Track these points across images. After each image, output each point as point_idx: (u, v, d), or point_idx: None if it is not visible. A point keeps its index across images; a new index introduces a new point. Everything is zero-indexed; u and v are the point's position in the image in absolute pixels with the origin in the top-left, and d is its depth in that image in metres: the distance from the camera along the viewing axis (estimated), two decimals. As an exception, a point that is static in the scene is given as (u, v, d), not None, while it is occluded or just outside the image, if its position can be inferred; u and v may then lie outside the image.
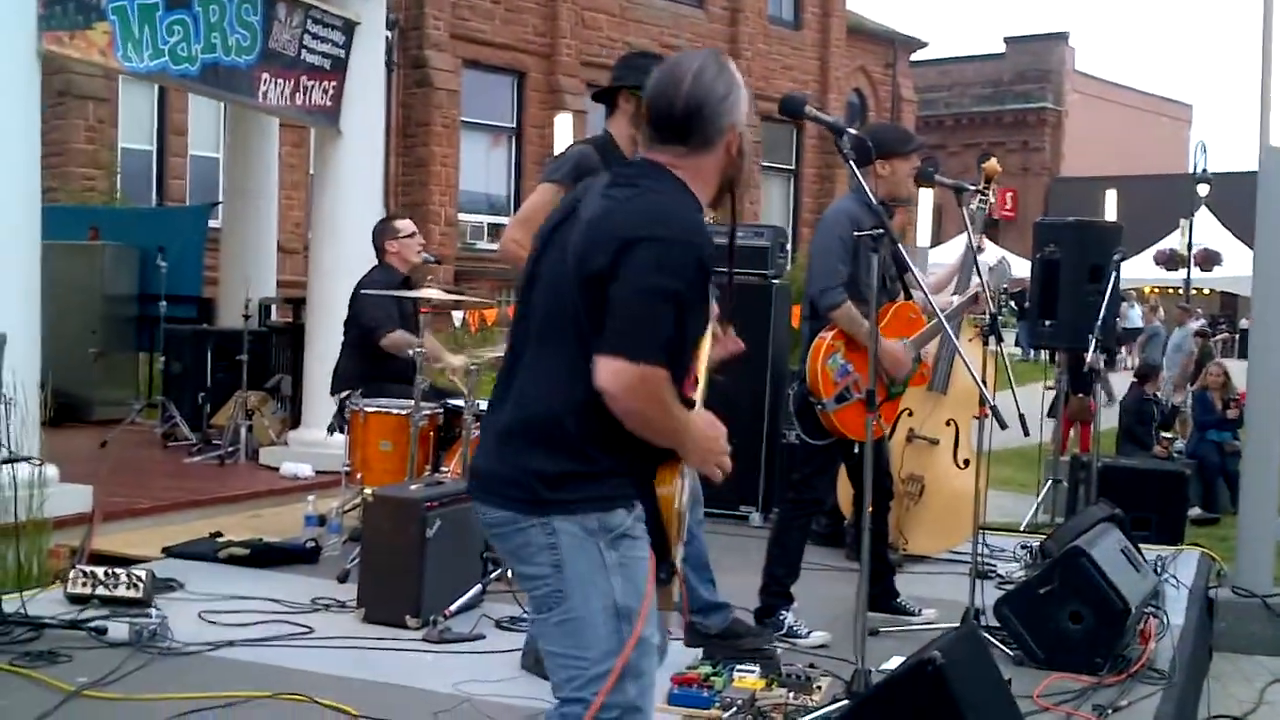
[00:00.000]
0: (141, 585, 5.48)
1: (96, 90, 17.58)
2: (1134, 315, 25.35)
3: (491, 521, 2.86)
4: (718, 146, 2.89)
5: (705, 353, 3.19)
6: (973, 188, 6.29)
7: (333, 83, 9.36)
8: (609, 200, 2.81)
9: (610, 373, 2.65)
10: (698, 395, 2.93)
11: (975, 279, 5.98)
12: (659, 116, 2.88)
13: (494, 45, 22.37)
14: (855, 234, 5.37)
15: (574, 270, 2.74)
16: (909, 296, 5.94)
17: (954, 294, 6.30)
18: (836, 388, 5.50)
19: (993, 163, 6.53)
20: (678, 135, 2.87)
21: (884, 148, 5.73)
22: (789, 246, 9.36)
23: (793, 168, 27.88)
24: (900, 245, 5.09)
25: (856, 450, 5.98)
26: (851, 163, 4.57)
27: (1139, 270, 32.73)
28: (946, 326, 5.32)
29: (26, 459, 6.04)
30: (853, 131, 4.55)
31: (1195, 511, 10.92)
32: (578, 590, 2.75)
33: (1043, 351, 13.76)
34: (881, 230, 4.63)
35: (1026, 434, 5.66)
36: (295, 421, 9.50)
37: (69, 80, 17.14)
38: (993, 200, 6.48)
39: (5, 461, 5.72)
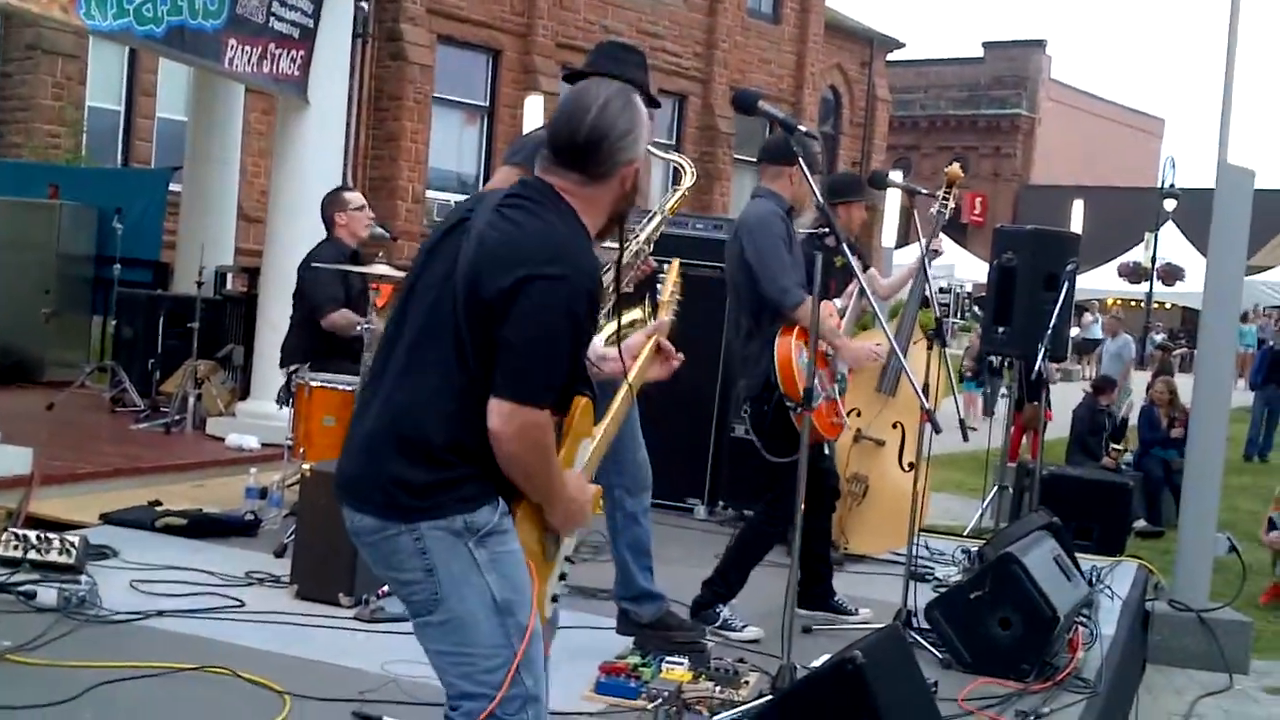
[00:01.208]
0: (74, 551, 5.43)
1: (66, 46, 17.39)
2: (1096, 327, 25.51)
3: (358, 529, 2.85)
4: (613, 180, 2.90)
5: (642, 367, 3.27)
6: (925, 191, 6.34)
7: (301, 52, 9.30)
8: (505, 223, 2.79)
9: (503, 416, 2.67)
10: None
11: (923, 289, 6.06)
12: (560, 142, 2.88)
13: (470, 22, 22.25)
14: (808, 232, 5.37)
15: (463, 290, 2.73)
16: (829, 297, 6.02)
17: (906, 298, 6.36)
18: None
19: (955, 168, 6.57)
20: (577, 163, 2.86)
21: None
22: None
23: (764, 161, 27.91)
24: (846, 242, 5.13)
25: (827, 450, 6.06)
26: (802, 161, 4.58)
27: (1102, 282, 33.00)
28: (894, 342, 5.33)
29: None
30: (803, 129, 4.57)
31: (1140, 524, 11.01)
32: (454, 592, 2.76)
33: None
34: (828, 230, 4.64)
35: (965, 439, 5.74)
36: (245, 392, 9.45)
37: (39, 35, 16.97)
38: (953, 204, 6.51)
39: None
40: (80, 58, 17.83)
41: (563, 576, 3.06)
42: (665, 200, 5.01)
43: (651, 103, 5.16)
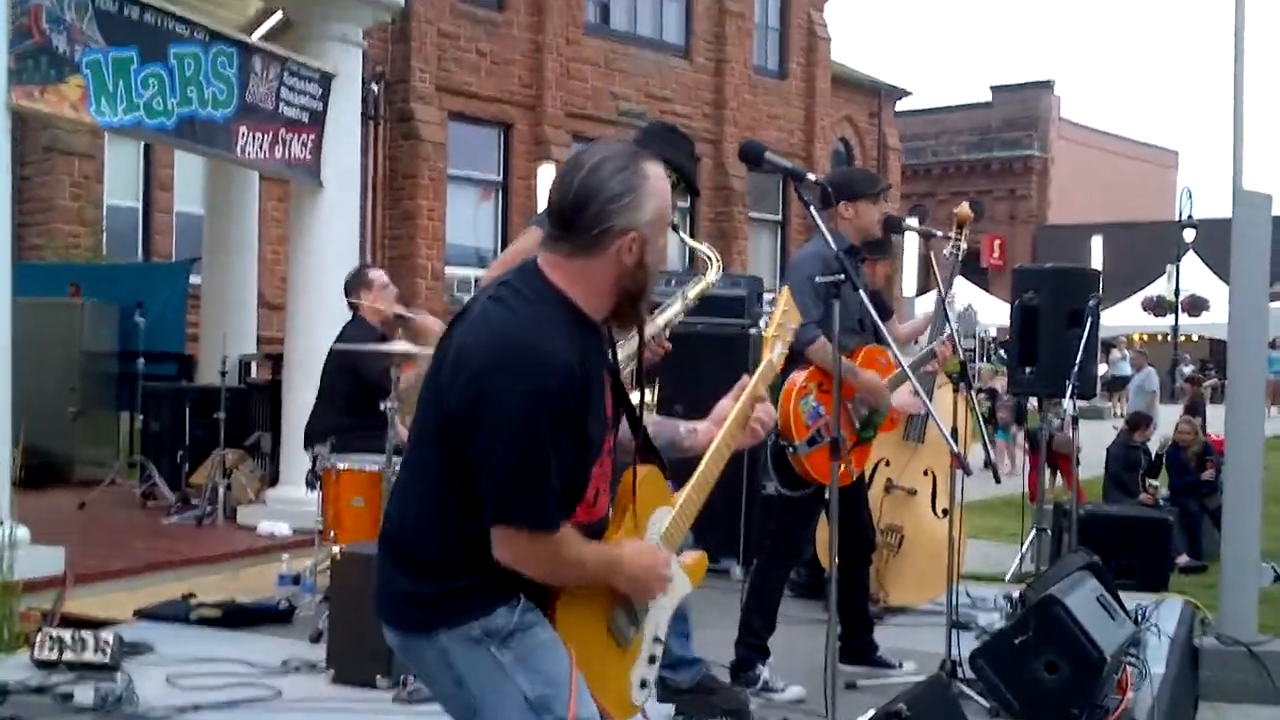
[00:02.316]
0: (109, 649, 5.41)
1: (82, 147, 17.57)
2: (1124, 364, 25.36)
3: (390, 643, 2.82)
4: (606, 251, 2.67)
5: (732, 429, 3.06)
6: (940, 234, 6.30)
7: (311, 135, 9.37)
8: (479, 323, 2.68)
9: (503, 545, 2.60)
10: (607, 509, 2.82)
11: (944, 330, 5.98)
12: (552, 206, 2.71)
13: (480, 97, 22.43)
14: (818, 278, 5.30)
15: (438, 402, 2.67)
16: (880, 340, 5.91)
17: (930, 339, 6.29)
18: (808, 430, 5.45)
19: (964, 208, 6.51)
20: (566, 230, 2.68)
21: (848, 190, 5.73)
22: (769, 294, 9.32)
23: (779, 218, 27.95)
24: (865, 291, 5.07)
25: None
26: (812, 208, 4.55)
27: (1127, 317, 32.86)
28: (910, 375, 5.26)
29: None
30: (812, 177, 4.54)
31: (1183, 559, 10.86)
32: (487, 699, 2.69)
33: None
34: (843, 276, 4.59)
35: (998, 481, 5.66)
36: (274, 479, 9.44)
37: (54, 136, 17.15)
38: (964, 246, 6.47)
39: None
40: (96, 157, 18.02)
41: (652, 659, 2.91)
42: (688, 287, 4.99)
43: (692, 190, 5.19)
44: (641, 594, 2.82)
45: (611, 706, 2.82)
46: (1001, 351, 19.68)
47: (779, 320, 3.31)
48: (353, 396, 6.92)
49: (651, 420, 3.23)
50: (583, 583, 2.71)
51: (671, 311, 4.91)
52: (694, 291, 4.97)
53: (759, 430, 3.14)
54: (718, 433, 3.09)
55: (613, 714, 2.83)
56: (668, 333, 4.92)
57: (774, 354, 3.25)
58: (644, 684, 2.90)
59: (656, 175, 2.73)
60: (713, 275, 5.03)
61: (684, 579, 3.00)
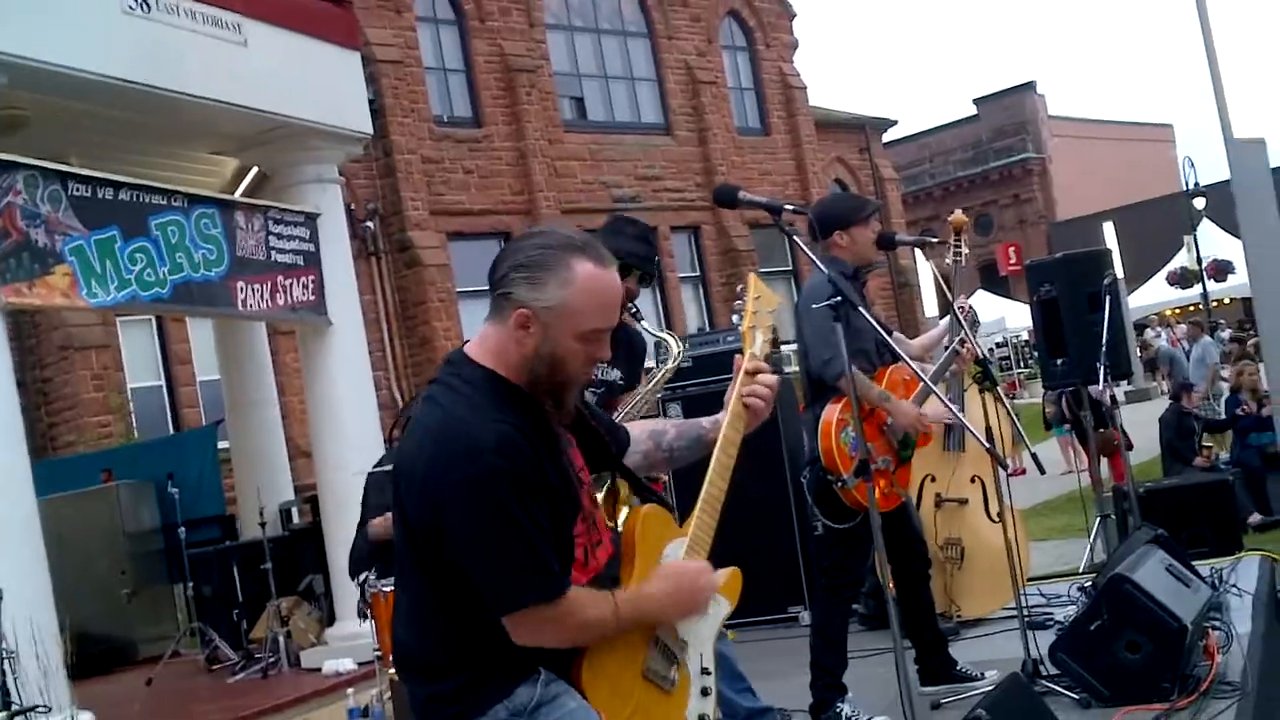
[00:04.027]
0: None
1: (96, 339, 17.75)
2: (1161, 341, 25.08)
3: None
4: (506, 319, 2.59)
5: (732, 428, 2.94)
6: (935, 240, 6.26)
7: (310, 276, 9.43)
8: (417, 426, 2.64)
9: (518, 630, 2.55)
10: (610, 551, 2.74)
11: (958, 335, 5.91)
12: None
13: (474, 213, 22.58)
14: (822, 305, 5.23)
15: (402, 513, 2.64)
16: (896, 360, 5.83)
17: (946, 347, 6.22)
18: (853, 461, 5.37)
19: (958, 215, 6.47)
20: (490, 289, 2.64)
21: (839, 220, 5.71)
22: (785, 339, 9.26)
23: (790, 268, 27.92)
24: (867, 310, 5.02)
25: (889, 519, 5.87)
26: (796, 239, 4.50)
27: (1155, 295, 32.56)
28: (932, 388, 5.17)
29: (32, 709, 5.91)
30: (789, 206, 4.51)
31: (1255, 518, 10.67)
32: None
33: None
34: (840, 299, 4.54)
35: (1042, 472, 5.56)
36: (332, 618, 9.40)
37: (68, 334, 17.35)
38: (966, 251, 6.42)
39: (14, 715, 5.61)
40: (111, 345, 18.18)
41: (705, 692, 2.79)
42: (651, 378, 4.95)
43: (644, 279, 5.15)
44: (691, 609, 2.73)
45: None
46: (1036, 354, 19.46)
47: (752, 309, 3.13)
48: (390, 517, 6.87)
49: (670, 422, 3.15)
50: (621, 632, 2.63)
51: (637, 400, 4.87)
52: (655, 381, 4.92)
53: (758, 405, 2.98)
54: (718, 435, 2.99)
55: None
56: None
57: (755, 347, 3.07)
58: (702, 719, 2.79)
59: (584, 274, 2.57)
60: (672, 363, 4.99)
61: (721, 600, 2.88)
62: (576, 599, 2.57)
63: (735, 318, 3.19)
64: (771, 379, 3.01)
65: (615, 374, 4.84)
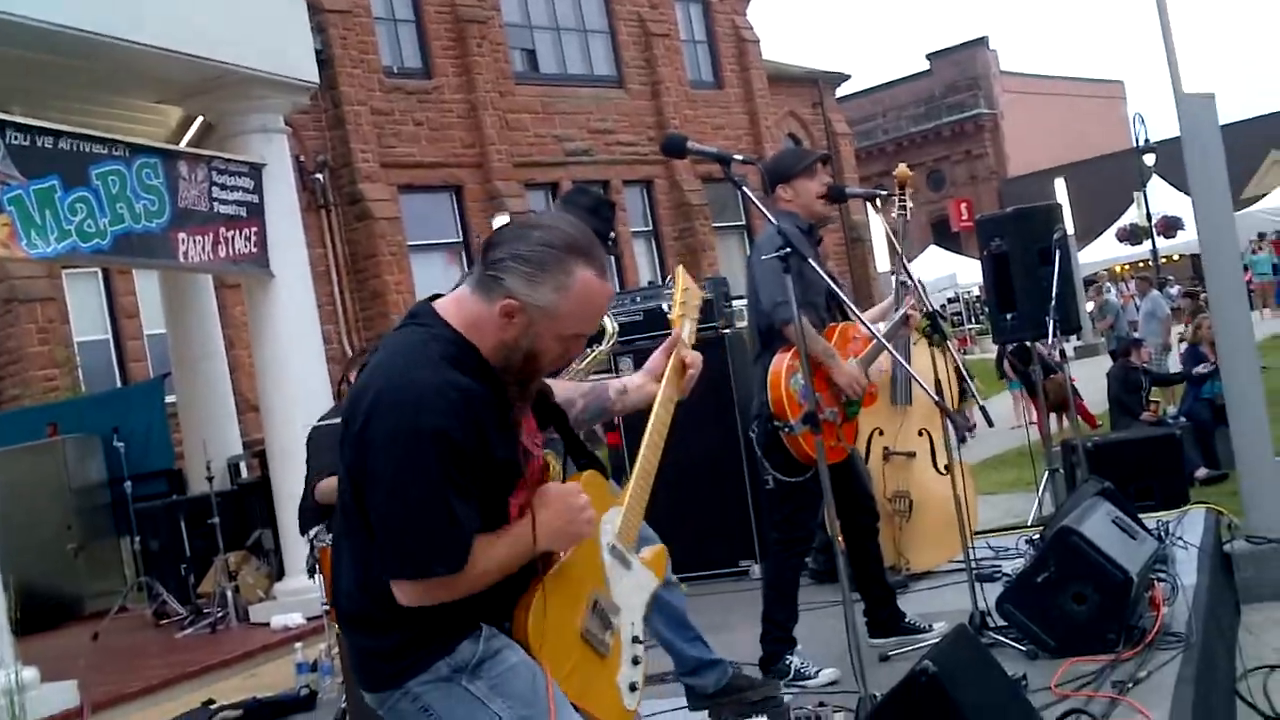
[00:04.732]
0: (130, 770, 5.30)
1: (41, 291, 17.48)
2: (1112, 296, 25.23)
3: (373, 705, 2.74)
4: (492, 302, 2.54)
5: (668, 391, 3.04)
6: (885, 194, 6.23)
7: (253, 229, 9.30)
8: (371, 368, 2.61)
9: (403, 596, 2.51)
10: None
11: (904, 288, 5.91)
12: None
13: (425, 165, 22.39)
14: (771, 256, 5.19)
15: (345, 456, 2.59)
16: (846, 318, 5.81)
17: (895, 309, 6.21)
18: (802, 408, 5.35)
19: (902, 169, 6.42)
20: (480, 259, 2.60)
21: (781, 173, 5.68)
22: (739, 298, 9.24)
23: (743, 223, 27.90)
24: (821, 265, 4.99)
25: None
26: (747, 190, 4.46)
27: (1105, 252, 32.81)
28: (887, 345, 5.16)
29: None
30: (739, 157, 4.47)
31: (1202, 472, 10.77)
32: None
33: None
34: (790, 250, 4.51)
35: (990, 425, 5.56)
36: (281, 573, 9.34)
37: (11, 287, 17.10)
38: (910, 205, 6.38)
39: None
40: (57, 298, 17.93)
41: (635, 661, 2.84)
42: (580, 360, 4.88)
43: (606, 246, 5.09)
44: (577, 533, 2.69)
45: (608, 717, 2.76)
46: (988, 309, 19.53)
47: (680, 299, 3.25)
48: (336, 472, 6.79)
49: (579, 391, 3.15)
50: (506, 573, 2.59)
51: (569, 376, 4.82)
52: (585, 363, 4.86)
53: (692, 375, 3.11)
54: (649, 384, 3.08)
55: None
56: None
57: (684, 333, 3.18)
58: (634, 687, 2.84)
59: (581, 281, 2.56)
60: (605, 344, 4.94)
61: (649, 575, 2.94)
62: (472, 559, 2.52)
63: (664, 305, 3.31)
64: (697, 360, 3.13)
65: None
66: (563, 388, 3.07)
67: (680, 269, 3.47)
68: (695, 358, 3.12)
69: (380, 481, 2.47)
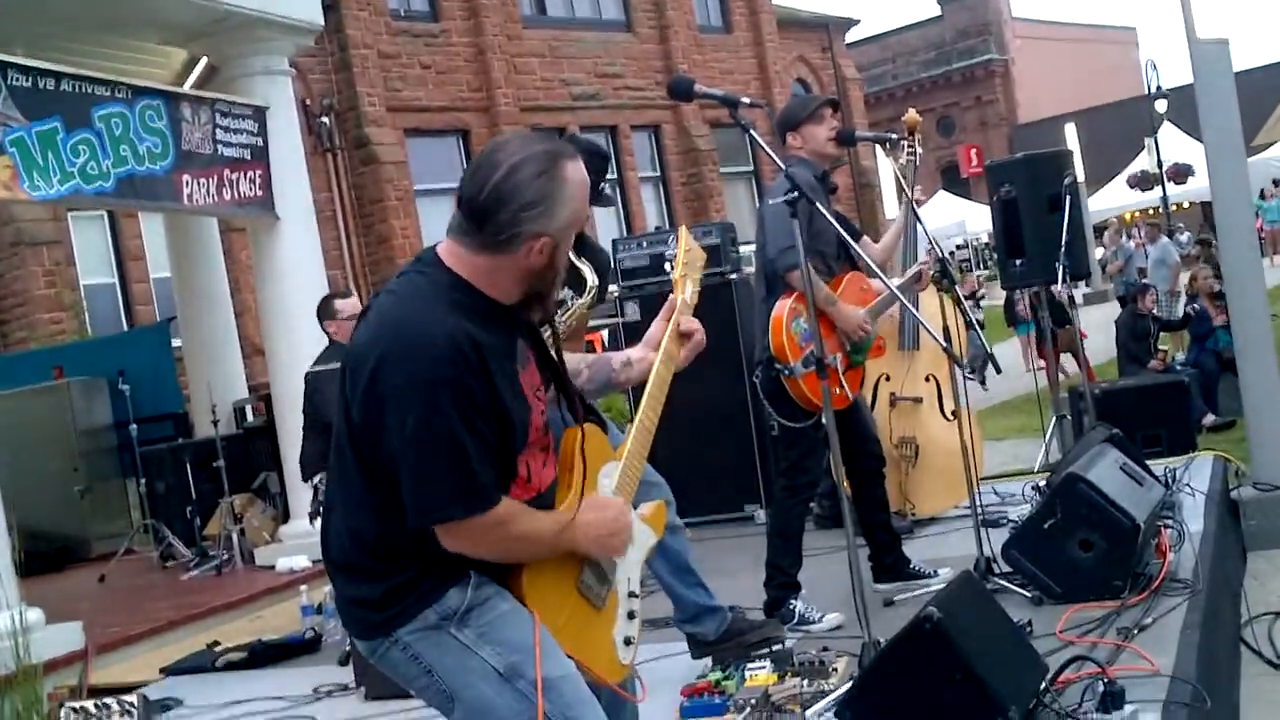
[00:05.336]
0: (135, 711, 5.33)
1: (47, 234, 17.46)
2: (1126, 242, 25.09)
3: (363, 652, 2.77)
4: (516, 252, 2.56)
5: (666, 360, 3.02)
6: (895, 138, 6.16)
7: (258, 171, 9.24)
8: (374, 317, 2.60)
9: (447, 538, 2.53)
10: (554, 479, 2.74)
11: (916, 239, 5.87)
12: (463, 196, 2.58)
13: (432, 110, 22.28)
14: (779, 201, 5.14)
15: (347, 407, 2.59)
16: (855, 267, 5.77)
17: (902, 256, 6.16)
18: (803, 351, 5.32)
19: (911, 114, 6.37)
20: (475, 224, 2.56)
21: (788, 121, 5.67)
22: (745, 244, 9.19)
23: (751, 168, 27.76)
24: (829, 213, 4.94)
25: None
26: (755, 135, 4.40)
27: (1116, 198, 32.61)
28: (900, 296, 5.12)
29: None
30: (746, 100, 4.41)
31: (1210, 419, 10.74)
32: (459, 681, 2.63)
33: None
34: (798, 195, 4.46)
35: (999, 371, 5.54)
36: (286, 516, 9.35)
37: (18, 230, 17.07)
38: (920, 150, 6.31)
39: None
40: (63, 241, 17.91)
41: (631, 615, 2.86)
42: (562, 314, 4.78)
43: (597, 199, 5.00)
44: (606, 551, 2.74)
45: (603, 670, 2.77)
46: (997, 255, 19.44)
47: (683, 260, 3.23)
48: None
49: (584, 361, 3.14)
50: (543, 555, 2.64)
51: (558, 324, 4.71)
52: (567, 316, 4.77)
53: (696, 341, 3.09)
54: (650, 355, 3.05)
55: (605, 677, 2.78)
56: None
57: (685, 294, 3.17)
58: (629, 641, 2.85)
59: (575, 178, 2.61)
60: (587, 298, 4.86)
61: (647, 530, 2.93)
62: (510, 515, 2.55)
63: (667, 266, 3.26)
64: (699, 333, 3.10)
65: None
66: (569, 358, 3.05)
67: (683, 229, 3.46)
68: (695, 326, 3.10)
69: (395, 433, 2.47)
